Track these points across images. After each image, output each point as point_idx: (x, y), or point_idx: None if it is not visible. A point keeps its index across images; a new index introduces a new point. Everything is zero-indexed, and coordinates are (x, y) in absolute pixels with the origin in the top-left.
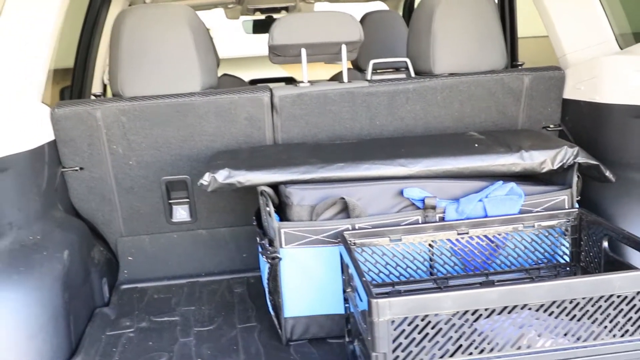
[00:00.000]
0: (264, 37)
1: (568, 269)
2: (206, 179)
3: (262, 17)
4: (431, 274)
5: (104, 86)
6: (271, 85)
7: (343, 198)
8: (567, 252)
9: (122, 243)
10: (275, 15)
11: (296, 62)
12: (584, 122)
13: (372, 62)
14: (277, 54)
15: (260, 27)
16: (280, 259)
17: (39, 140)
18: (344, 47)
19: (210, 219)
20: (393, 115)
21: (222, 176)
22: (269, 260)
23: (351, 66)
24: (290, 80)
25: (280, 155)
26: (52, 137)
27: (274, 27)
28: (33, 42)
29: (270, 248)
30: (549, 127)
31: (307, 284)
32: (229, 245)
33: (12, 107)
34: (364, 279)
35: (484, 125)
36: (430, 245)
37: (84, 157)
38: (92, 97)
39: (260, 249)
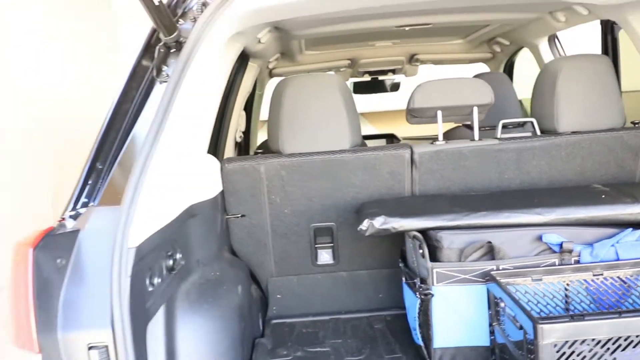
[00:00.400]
0: (362, 97)
1: None
2: (365, 225)
3: (368, 78)
4: (567, 310)
5: (237, 144)
6: (410, 142)
7: (490, 242)
8: None
9: (272, 282)
10: (380, 77)
11: (431, 123)
12: None
13: (501, 122)
14: (415, 115)
15: (362, 87)
16: (432, 295)
17: (216, 190)
18: (475, 109)
19: (351, 262)
20: (520, 169)
21: (379, 222)
22: (422, 296)
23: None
24: (391, 137)
25: (425, 205)
26: (221, 188)
27: (415, 92)
28: (207, 100)
29: (422, 286)
30: None
31: (455, 318)
32: (367, 286)
33: (201, 161)
34: (526, 308)
35: (604, 178)
36: (567, 284)
37: (246, 205)
38: (254, 154)
39: (407, 287)
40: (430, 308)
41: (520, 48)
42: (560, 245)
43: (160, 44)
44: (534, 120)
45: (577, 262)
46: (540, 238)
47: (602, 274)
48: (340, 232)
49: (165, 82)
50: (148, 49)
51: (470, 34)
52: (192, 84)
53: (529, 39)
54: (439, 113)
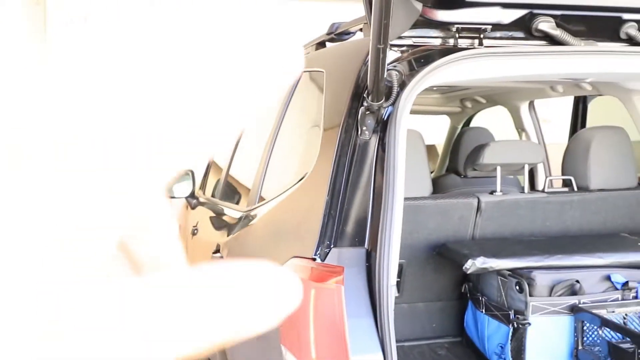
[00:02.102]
0: None
1: None
2: (469, 264)
3: None
4: None
5: None
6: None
7: (577, 280)
8: None
9: None
10: None
11: (490, 176)
12: None
13: (548, 178)
14: (476, 169)
15: None
16: (529, 324)
17: None
18: (526, 166)
19: (412, 295)
20: (559, 219)
21: (480, 262)
22: (519, 326)
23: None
24: None
25: (503, 247)
26: None
27: (482, 151)
28: None
29: (519, 316)
30: None
31: (545, 343)
32: (423, 316)
33: None
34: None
35: (621, 228)
36: (624, 316)
37: None
38: None
39: (490, 318)
40: (525, 335)
41: (493, 105)
42: (625, 283)
43: (364, 105)
44: (572, 178)
45: (635, 297)
46: (608, 277)
47: None
48: (408, 268)
49: (366, 140)
50: (351, 110)
51: (452, 91)
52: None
53: (512, 101)
54: (498, 168)
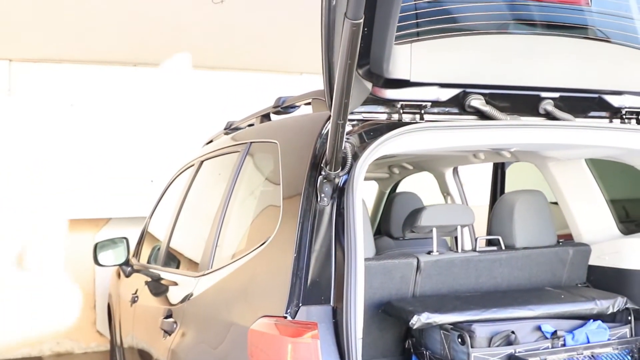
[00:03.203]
0: None
1: None
2: (414, 320)
3: None
4: None
5: None
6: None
7: (513, 331)
8: None
9: None
10: None
11: (425, 237)
12: (607, 281)
13: (479, 238)
14: (414, 230)
15: None
16: None
17: None
18: (459, 228)
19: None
20: (490, 275)
21: (425, 317)
22: None
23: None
24: None
25: (444, 303)
26: None
27: (420, 214)
28: None
29: None
30: (578, 285)
31: None
32: None
33: None
34: None
35: (544, 283)
36: None
37: None
38: None
39: None
40: None
41: (419, 171)
42: (553, 333)
43: (322, 174)
44: (500, 237)
45: (563, 345)
46: (539, 328)
47: (582, 353)
48: None
49: (325, 206)
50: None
51: (382, 158)
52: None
53: (437, 168)
54: (434, 230)
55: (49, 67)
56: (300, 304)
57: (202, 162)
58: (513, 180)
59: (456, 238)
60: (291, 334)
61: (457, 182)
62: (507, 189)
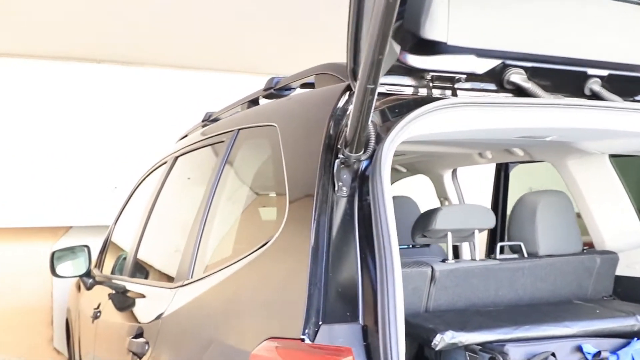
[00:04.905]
0: None
1: None
2: (437, 339)
3: None
4: None
5: None
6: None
7: (553, 353)
8: None
9: None
10: None
11: (440, 243)
12: (637, 293)
13: (499, 244)
14: (426, 235)
15: None
16: None
17: None
18: (476, 232)
19: None
20: (511, 287)
21: (449, 337)
22: None
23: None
24: None
25: (466, 319)
26: None
27: (433, 216)
28: None
29: None
30: (604, 297)
31: None
32: None
33: None
34: None
35: (568, 295)
36: None
37: None
38: None
39: None
40: None
41: (414, 174)
42: (596, 354)
43: (339, 158)
44: (522, 243)
45: None
46: (579, 348)
47: None
48: None
49: (344, 197)
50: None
51: None
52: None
53: (435, 170)
54: (449, 234)
55: (2, 61)
56: (321, 322)
57: (177, 158)
58: (515, 184)
59: (455, 247)
60: None
61: (456, 186)
62: (510, 193)
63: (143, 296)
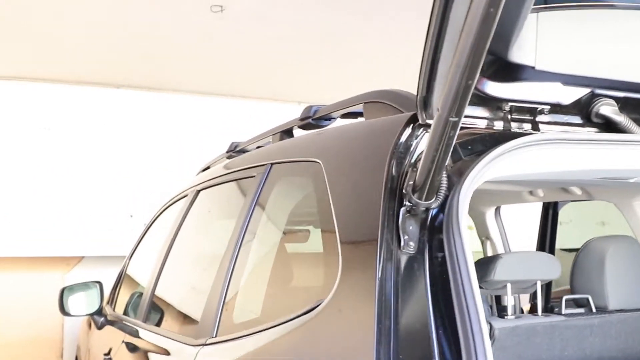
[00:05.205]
0: None
1: None
2: None
3: None
4: None
5: None
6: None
7: None
8: None
9: None
10: None
11: (499, 294)
12: None
13: (564, 297)
14: (482, 287)
15: None
16: None
17: None
18: (539, 283)
19: None
20: (579, 345)
21: None
22: None
23: None
24: None
25: None
26: None
27: (494, 266)
28: None
29: None
30: None
31: None
32: None
33: None
34: None
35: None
36: None
37: None
38: None
39: None
40: None
41: None
42: None
43: (405, 206)
44: (589, 297)
45: None
46: None
47: None
48: None
49: (411, 254)
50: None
51: None
52: None
53: (476, 207)
54: (509, 286)
55: (22, 85)
56: None
57: (198, 192)
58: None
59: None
60: None
61: (499, 225)
62: (558, 233)
63: (159, 349)
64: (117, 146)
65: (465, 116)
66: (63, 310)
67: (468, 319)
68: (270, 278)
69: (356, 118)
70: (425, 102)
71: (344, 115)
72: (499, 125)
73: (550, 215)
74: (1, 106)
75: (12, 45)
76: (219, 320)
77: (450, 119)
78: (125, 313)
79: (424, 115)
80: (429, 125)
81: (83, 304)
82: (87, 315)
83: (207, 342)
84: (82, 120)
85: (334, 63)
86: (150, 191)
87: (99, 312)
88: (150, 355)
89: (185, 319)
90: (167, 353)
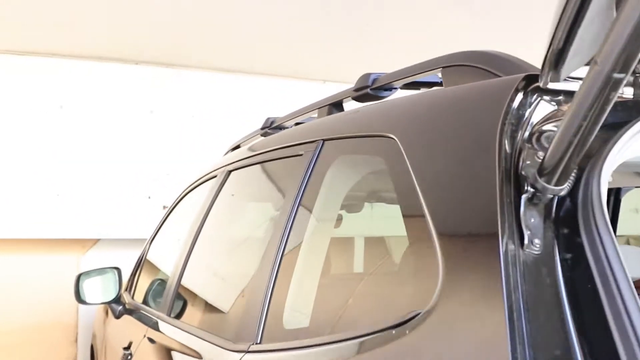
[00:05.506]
0: None
1: None
2: None
3: None
4: None
5: None
6: None
7: None
8: None
9: None
10: None
11: None
12: None
13: None
14: None
15: None
16: None
17: None
18: None
19: None
20: None
21: None
22: None
23: None
24: None
25: None
26: None
27: None
28: None
29: None
30: None
31: None
32: None
33: None
34: None
35: None
36: None
37: None
38: None
39: None
40: None
41: None
42: None
43: (527, 192)
44: None
45: None
46: None
47: None
48: None
49: (535, 254)
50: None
51: None
52: None
53: None
54: None
55: (35, 61)
56: None
57: (230, 172)
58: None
59: None
60: None
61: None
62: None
63: (189, 351)
64: (135, 125)
65: (574, 78)
66: (79, 297)
67: (637, 347)
68: (331, 276)
69: (418, 89)
70: (560, 57)
71: (405, 86)
72: (627, 92)
73: (611, 200)
74: (16, 83)
75: (25, 18)
76: (264, 323)
77: (615, 75)
78: (145, 302)
79: (551, 75)
80: (549, 91)
81: (99, 291)
82: (103, 303)
83: (250, 349)
84: (98, 98)
85: (360, 41)
86: (168, 172)
87: (117, 300)
88: (177, 356)
89: (219, 316)
90: (199, 356)
